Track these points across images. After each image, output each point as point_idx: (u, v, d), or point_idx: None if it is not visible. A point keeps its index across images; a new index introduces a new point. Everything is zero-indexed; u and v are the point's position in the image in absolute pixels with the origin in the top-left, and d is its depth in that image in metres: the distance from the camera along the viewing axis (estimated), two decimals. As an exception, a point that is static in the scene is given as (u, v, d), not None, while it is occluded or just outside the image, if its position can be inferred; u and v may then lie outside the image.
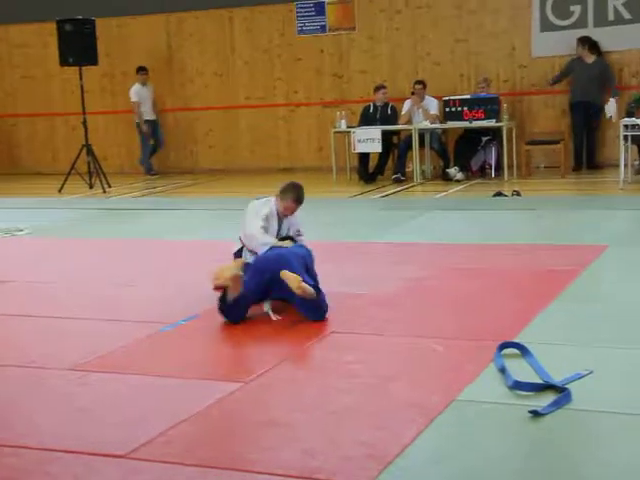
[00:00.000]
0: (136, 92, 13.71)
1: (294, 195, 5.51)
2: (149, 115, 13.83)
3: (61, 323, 5.22)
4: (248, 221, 5.49)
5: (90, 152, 12.34)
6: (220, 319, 5.01)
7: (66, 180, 12.32)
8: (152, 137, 13.93)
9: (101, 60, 13.08)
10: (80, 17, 12.54)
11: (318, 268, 5.34)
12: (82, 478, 3.08)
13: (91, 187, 12.43)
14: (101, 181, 12.26)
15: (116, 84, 14.71)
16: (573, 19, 12.08)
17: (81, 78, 12.42)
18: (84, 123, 12.38)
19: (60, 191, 12.26)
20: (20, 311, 5.52)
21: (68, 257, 7.40)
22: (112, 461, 3.19)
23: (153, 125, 13.91)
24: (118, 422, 3.60)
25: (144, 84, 13.77)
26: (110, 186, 12.40)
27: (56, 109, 15.12)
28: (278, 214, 5.53)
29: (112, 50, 14.46)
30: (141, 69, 13.80)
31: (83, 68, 12.50)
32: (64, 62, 12.52)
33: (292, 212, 5.56)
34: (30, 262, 7.22)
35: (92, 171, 12.43)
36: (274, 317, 4.97)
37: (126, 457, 3.22)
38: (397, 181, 11.72)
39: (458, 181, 11.49)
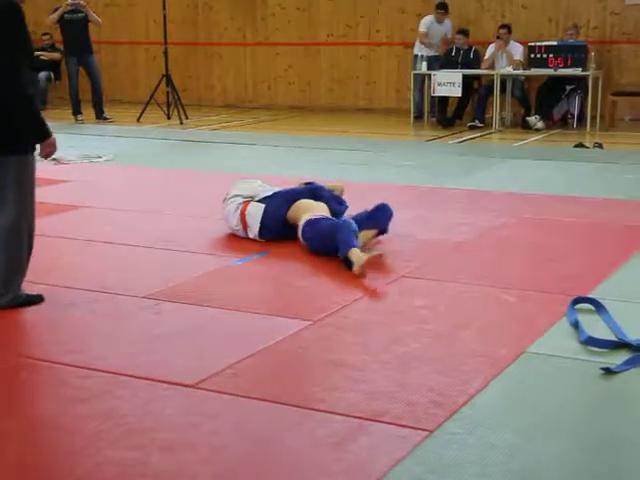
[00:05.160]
0: (425, 23, 12.46)
1: None
2: (433, 52, 12.38)
3: (135, 251, 5.29)
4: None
5: (170, 82, 12.39)
6: (292, 257, 5.04)
7: (145, 109, 12.42)
8: None
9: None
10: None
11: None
12: (150, 404, 3.14)
13: (169, 117, 12.51)
14: (179, 112, 12.32)
15: (198, 15, 14.69)
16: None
17: (164, 7, 12.43)
18: (165, 53, 12.41)
19: (139, 120, 12.37)
20: (95, 237, 5.60)
21: (144, 186, 7.48)
22: (180, 389, 3.24)
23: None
24: (187, 352, 3.65)
25: (440, 21, 12.37)
26: (187, 117, 12.47)
27: (138, 38, 15.19)
28: None
29: (196, -19, 14.43)
30: (440, 6, 12.32)
31: (167, -3, 12.51)
32: (148, -10, 12.53)
33: None
34: (107, 189, 7.32)
35: (170, 102, 12.50)
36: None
37: (194, 387, 3.26)
38: (473, 128, 11.52)
39: (538, 130, 11.24)
